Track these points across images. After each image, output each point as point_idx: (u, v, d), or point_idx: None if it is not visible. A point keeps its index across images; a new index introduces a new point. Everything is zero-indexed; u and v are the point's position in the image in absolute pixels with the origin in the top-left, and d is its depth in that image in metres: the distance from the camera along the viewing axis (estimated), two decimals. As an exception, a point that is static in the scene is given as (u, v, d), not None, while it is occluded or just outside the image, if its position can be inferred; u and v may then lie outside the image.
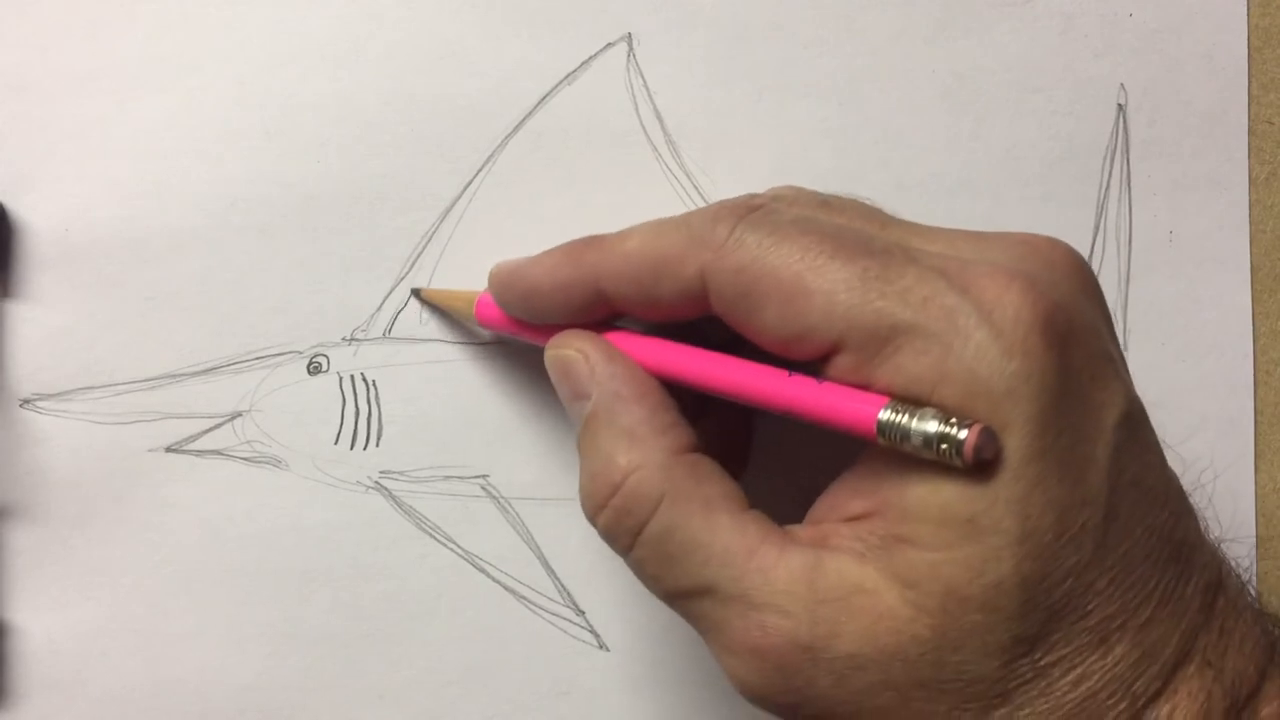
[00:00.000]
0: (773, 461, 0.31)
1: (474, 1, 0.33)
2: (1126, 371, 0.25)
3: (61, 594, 0.32)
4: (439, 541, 0.33)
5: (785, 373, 0.25)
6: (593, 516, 0.27)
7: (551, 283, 0.28)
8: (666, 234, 0.26)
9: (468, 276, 0.33)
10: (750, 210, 0.26)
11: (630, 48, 0.33)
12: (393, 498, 0.33)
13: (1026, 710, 0.23)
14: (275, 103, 0.32)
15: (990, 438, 0.22)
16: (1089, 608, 0.23)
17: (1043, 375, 0.22)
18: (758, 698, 0.25)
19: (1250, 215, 0.36)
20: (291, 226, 0.32)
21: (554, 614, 0.33)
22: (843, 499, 0.25)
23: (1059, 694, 0.23)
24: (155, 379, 0.32)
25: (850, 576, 0.24)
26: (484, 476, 0.33)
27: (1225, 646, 0.24)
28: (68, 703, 0.32)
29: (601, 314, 0.28)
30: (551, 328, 0.29)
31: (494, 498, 0.33)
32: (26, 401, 0.32)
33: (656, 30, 0.33)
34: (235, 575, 0.32)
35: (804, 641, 0.24)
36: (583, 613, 0.33)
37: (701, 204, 0.33)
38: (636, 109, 0.33)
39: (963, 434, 0.22)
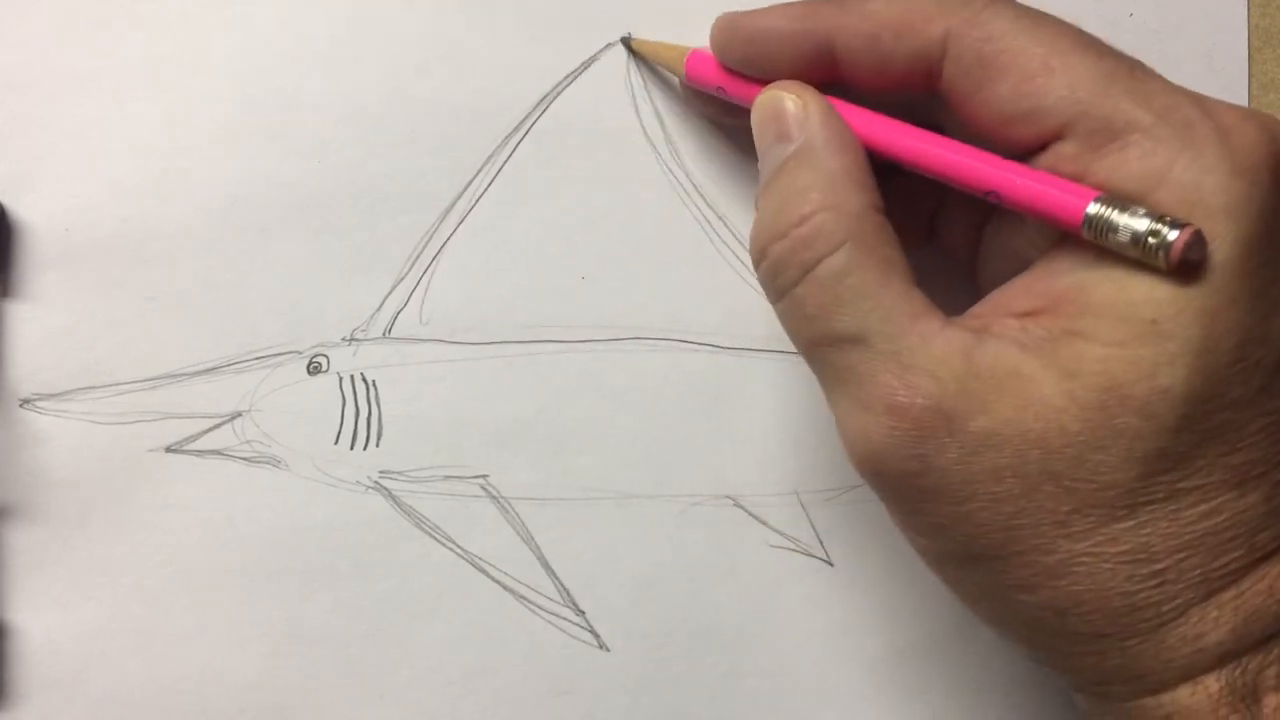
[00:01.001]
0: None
1: (474, 1, 0.33)
2: None
3: (61, 594, 0.32)
4: (439, 541, 0.33)
5: (998, 156, 0.25)
6: (766, 244, 0.26)
7: (780, 30, 0.28)
8: None
9: (467, 276, 0.33)
10: None
11: (630, 48, 0.33)
12: (393, 498, 0.33)
13: (1149, 530, 0.23)
14: (275, 103, 0.32)
15: (1201, 241, 0.22)
16: (1239, 445, 0.23)
17: (1264, 203, 0.23)
18: (876, 457, 0.25)
19: (1250, 215, 0.36)
20: (291, 226, 0.32)
21: (554, 614, 0.33)
22: (1012, 298, 0.25)
23: (1184, 521, 0.23)
24: (155, 379, 0.32)
25: (1008, 360, 0.24)
26: (484, 476, 0.33)
27: None
28: (68, 703, 0.32)
29: (821, 75, 0.28)
30: (763, 84, 0.28)
31: (494, 498, 0.33)
32: (26, 401, 0.32)
33: (657, 30, 0.33)
34: (235, 575, 0.32)
35: (947, 408, 0.23)
36: (583, 613, 0.33)
37: (701, 203, 0.33)
38: (636, 109, 0.33)
39: (1173, 234, 0.22)
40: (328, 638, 0.33)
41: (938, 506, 0.24)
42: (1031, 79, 0.24)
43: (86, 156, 0.32)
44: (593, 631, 0.33)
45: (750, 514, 0.34)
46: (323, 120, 0.32)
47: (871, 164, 0.26)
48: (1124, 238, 0.23)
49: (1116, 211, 0.23)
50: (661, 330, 0.33)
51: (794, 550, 0.34)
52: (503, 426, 0.33)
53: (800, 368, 0.27)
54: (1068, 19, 0.30)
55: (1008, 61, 0.25)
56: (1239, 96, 0.36)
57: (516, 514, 0.33)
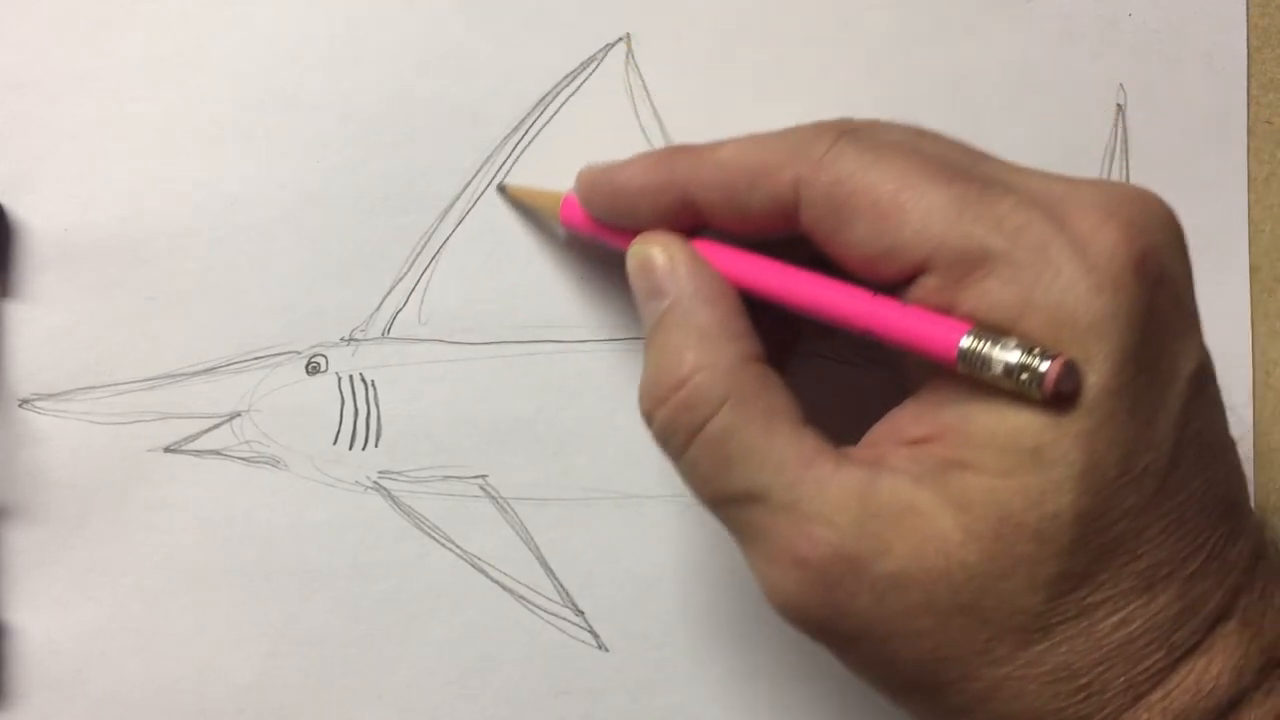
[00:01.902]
0: (822, 392, 0.31)
1: (474, 1, 0.33)
2: (1200, 329, 0.25)
3: (61, 594, 0.32)
4: (438, 541, 0.33)
5: (869, 293, 0.25)
6: (651, 410, 0.26)
7: (640, 184, 0.28)
8: (764, 144, 0.26)
9: (466, 276, 0.33)
10: (851, 128, 0.26)
11: (630, 48, 0.33)
12: (392, 498, 0.33)
13: (1065, 648, 0.23)
14: (275, 103, 0.32)
15: (1072, 371, 0.22)
16: (1139, 552, 0.23)
17: (1129, 314, 0.23)
18: (793, 609, 0.25)
19: (1249, 215, 0.36)
20: (291, 226, 0.32)
21: (553, 614, 0.33)
22: (902, 424, 0.25)
23: (1099, 635, 0.23)
24: (155, 379, 0.32)
25: (903, 496, 0.24)
26: (483, 476, 0.33)
27: (1265, 609, 0.24)
28: (68, 703, 0.32)
29: (687, 223, 0.28)
30: (634, 233, 0.29)
31: (493, 498, 0.33)
32: (26, 401, 0.32)
33: (656, 30, 0.33)
34: (235, 575, 0.32)
35: (850, 555, 0.24)
36: (582, 613, 0.33)
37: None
38: (636, 109, 0.33)
39: (1044, 365, 0.22)
40: (327, 638, 0.33)
41: (861, 648, 0.25)
42: (885, 218, 0.24)
43: (86, 156, 0.32)
44: (592, 631, 0.33)
45: (750, 514, 0.34)
46: (323, 120, 0.32)
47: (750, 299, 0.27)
48: (997, 371, 0.22)
49: (988, 344, 0.23)
50: (661, 330, 0.33)
51: (794, 550, 0.34)
52: (502, 426, 0.33)
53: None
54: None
55: (859, 202, 0.24)
56: (1239, 96, 0.36)
57: (516, 514, 0.33)
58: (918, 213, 0.24)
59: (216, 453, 0.32)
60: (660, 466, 0.33)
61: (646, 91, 0.33)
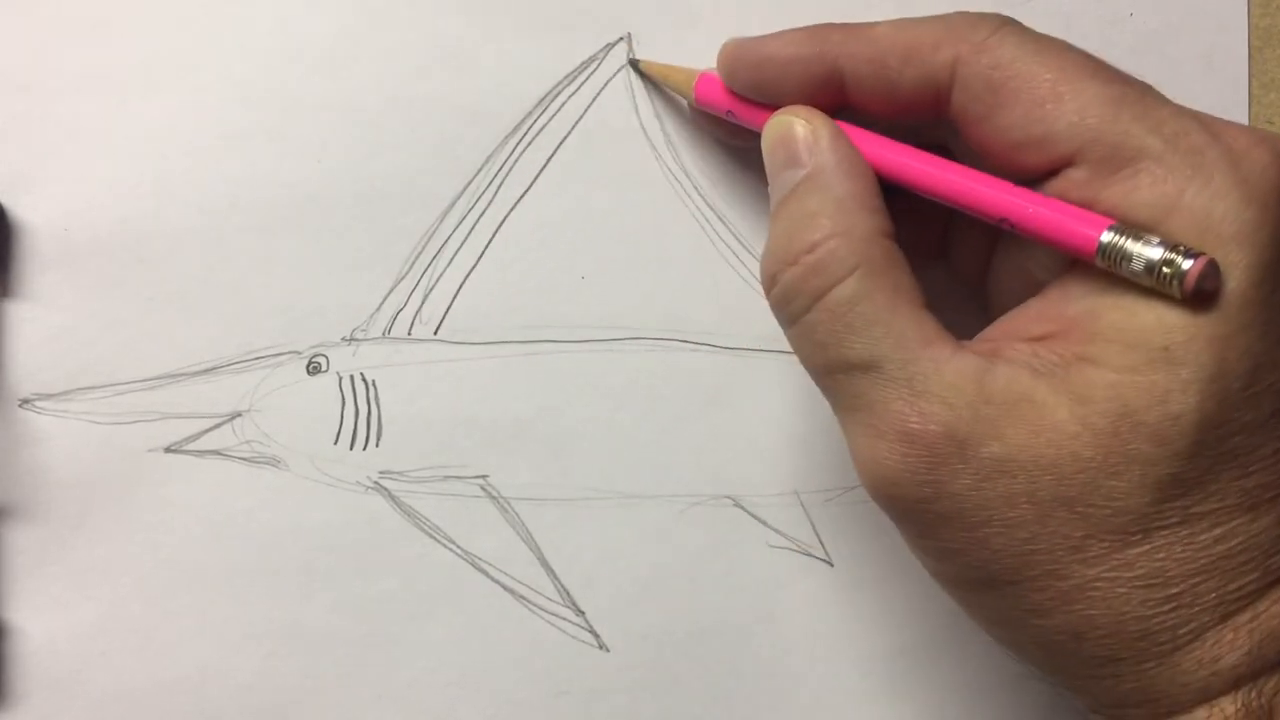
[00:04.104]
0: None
1: (474, 1, 0.33)
2: None
3: (61, 594, 0.32)
4: (439, 541, 0.33)
5: (1010, 183, 0.25)
6: (777, 271, 0.26)
7: (789, 55, 0.28)
8: (923, 23, 0.26)
9: (467, 276, 0.33)
10: (1011, 19, 0.26)
11: (630, 48, 0.33)
12: (392, 498, 0.33)
13: (1162, 554, 0.23)
14: (275, 103, 0.32)
15: (1215, 271, 0.22)
16: (1251, 468, 0.23)
17: (1275, 230, 0.23)
18: (889, 483, 0.25)
19: (1250, 215, 0.36)
20: (291, 226, 0.32)
21: (554, 614, 0.33)
22: (1023, 322, 0.25)
23: (1199, 546, 0.23)
24: (155, 379, 0.32)
25: (1020, 385, 0.24)
26: (484, 476, 0.33)
27: None
28: (67, 703, 0.32)
29: (830, 101, 0.28)
30: (771, 109, 0.28)
31: (494, 498, 0.33)
32: (26, 401, 0.32)
33: (656, 30, 0.33)
34: (235, 575, 0.32)
35: (959, 434, 0.24)
36: (583, 613, 0.33)
37: (701, 203, 0.33)
38: (636, 109, 0.33)
39: (1188, 263, 0.22)
40: (327, 638, 0.33)
41: (951, 532, 0.24)
42: (1041, 105, 0.24)
43: (86, 156, 0.32)
44: (592, 632, 0.33)
45: (750, 514, 0.34)
46: (323, 120, 0.32)
47: (882, 187, 0.26)
48: (1138, 266, 0.23)
49: (1130, 240, 0.23)
50: (661, 330, 0.33)
51: (793, 550, 0.34)
52: (503, 426, 0.33)
53: (800, 366, 0.27)
54: (1068, 19, 0.30)
55: (1017, 88, 0.25)
56: (1239, 96, 0.36)
57: (516, 514, 0.33)
58: (1076, 104, 0.24)
59: (217, 453, 0.32)
60: (660, 466, 0.33)
61: (647, 91, 0.33)
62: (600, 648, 0.34)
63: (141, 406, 0.32)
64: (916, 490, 0.24)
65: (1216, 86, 0.36)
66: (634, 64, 0.33)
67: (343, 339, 0.33)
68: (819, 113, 0.27)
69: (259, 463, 0.32)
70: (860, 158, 0.27)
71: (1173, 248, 0.22)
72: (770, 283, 0.26)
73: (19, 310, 0.32)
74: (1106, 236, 0.23)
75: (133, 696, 0.32)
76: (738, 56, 0.29)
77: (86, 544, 0.32)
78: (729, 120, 0.30)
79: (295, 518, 0.33)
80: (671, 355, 0.33)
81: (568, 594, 0.33)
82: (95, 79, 0.32)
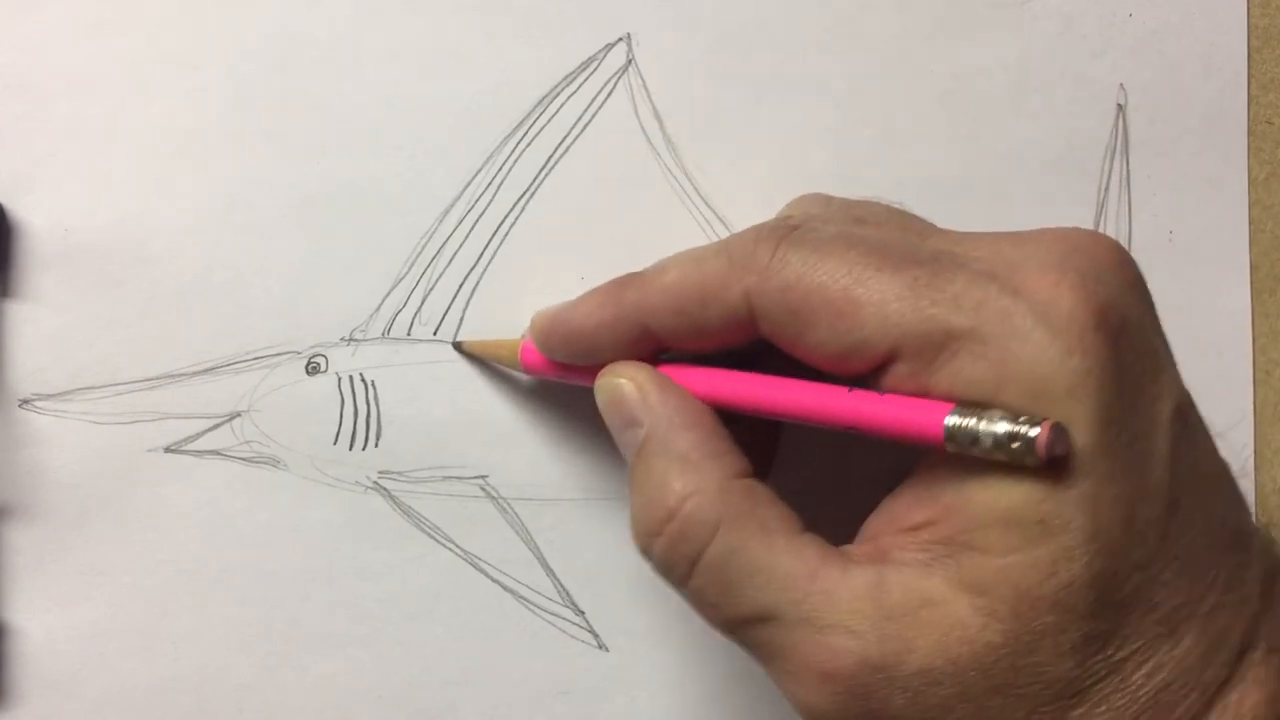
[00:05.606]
0: (815, 484, 0.31)
1: (474, 1, 0.33)
2: (1173, 363, 0.25)
3: (61, 594, 0.32)
4: (438, 542, 0.33)
5: (845, 389, 0.25)
6: (647, 546, 0.26)
7: (594, 324, 0.28)
8: (706, 261, 0.26)
9: (466, 276, 0.33)
10: (789, 230, 0.25)
11: (630, 48, 0.33)
12: (392, 498, 0.33)
13: (1103, 707, 0.23)
14: (275, 103, 0.32)
15: (1062, 434, 0.22)
16: (1156, 600, 0.23)
17: (1102, 371, 0.22)
18: None
19: (1249, 215, 0.36)
20: (291, 226, 0.32)
21: (554, 614, 0.33)
22: (899, 511, 0.25)
23: (1134, 688, 0.23)
24: (155, 379, 0.32)
25: (916, 589, 0.23)
26: (483, 477, 0.33)
27: None
28: (67, 703, 0.32)
29: (648, 349, 0.28)
30: (598, 368, 0.29)
31: (493, 498, 0.33)
32: (26, 401, 0.32)
33: (656, 30, 0.33)
34: (235, 575, 0.32)
35: (875, 661, 0.23)
36: (582, 613, 0.33)
37: (701, 205, 0.33)
38: (636, 109, 0.33)
39: (1034, 432, 0.22)
40: (327, 638, 0.33)
41: None
42: (842, 316, 0.24)
43: (86, 156, 0.32)
44: (592, 631, 0.33)
45: (750, 514, 0.34)
46: (323, 120, 0.32)
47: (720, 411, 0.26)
48: (988, 444, 0.22)
49: (973, 420, 0.23)
50: (661, 330, 0.33)
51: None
52: (502, 426, 0.33)
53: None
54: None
55: (815, 304, 0.24)
56: (1238, 96, 0.36)
57: (516, 514, 0.33)
58: (874, 305, 0.24)
59: (217, 453, 0.32)
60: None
61: (647, 91, 0.33)
62: (600, 648, 0.34)
63: (141, 406, 0.32)
64: None
65: (1216, 86, 0.36)
66: (457, 346, 0.33)
67: (342, 339, 0.33)
68: (643, 366, 0.28)
69: (258, 463, 0.32)
70: (693, 402, 0.27)
71: (1015, 420, 0.22)
72: (644, 555, 0.26)
73: (19, 310, 0.32)
74: (951, 420, 0.23)
75: (132, 696, 0.32)
76: (549, 331, 0.29)
77: (86, 544, 0.32)
78: (565, 381, 0.30)
79: (294, 518, 0.33)
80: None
81: (567, 594, 0.33)
82: (95, 79, 0.32)
